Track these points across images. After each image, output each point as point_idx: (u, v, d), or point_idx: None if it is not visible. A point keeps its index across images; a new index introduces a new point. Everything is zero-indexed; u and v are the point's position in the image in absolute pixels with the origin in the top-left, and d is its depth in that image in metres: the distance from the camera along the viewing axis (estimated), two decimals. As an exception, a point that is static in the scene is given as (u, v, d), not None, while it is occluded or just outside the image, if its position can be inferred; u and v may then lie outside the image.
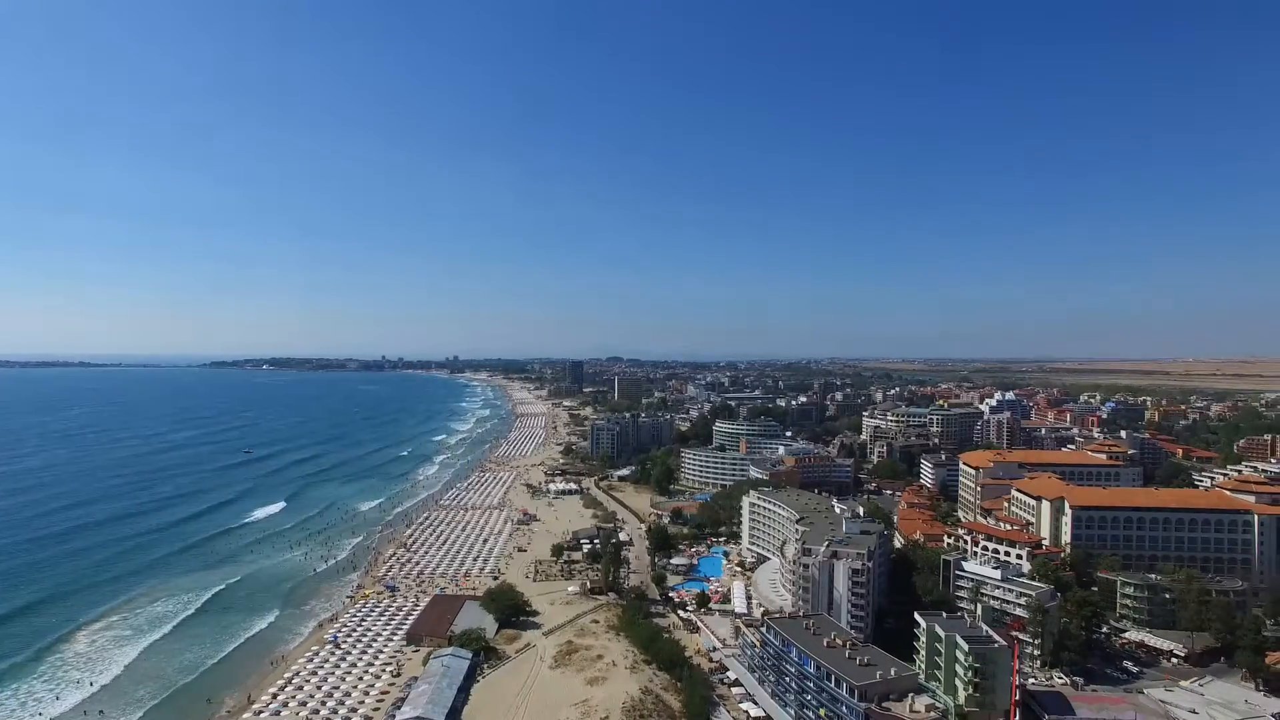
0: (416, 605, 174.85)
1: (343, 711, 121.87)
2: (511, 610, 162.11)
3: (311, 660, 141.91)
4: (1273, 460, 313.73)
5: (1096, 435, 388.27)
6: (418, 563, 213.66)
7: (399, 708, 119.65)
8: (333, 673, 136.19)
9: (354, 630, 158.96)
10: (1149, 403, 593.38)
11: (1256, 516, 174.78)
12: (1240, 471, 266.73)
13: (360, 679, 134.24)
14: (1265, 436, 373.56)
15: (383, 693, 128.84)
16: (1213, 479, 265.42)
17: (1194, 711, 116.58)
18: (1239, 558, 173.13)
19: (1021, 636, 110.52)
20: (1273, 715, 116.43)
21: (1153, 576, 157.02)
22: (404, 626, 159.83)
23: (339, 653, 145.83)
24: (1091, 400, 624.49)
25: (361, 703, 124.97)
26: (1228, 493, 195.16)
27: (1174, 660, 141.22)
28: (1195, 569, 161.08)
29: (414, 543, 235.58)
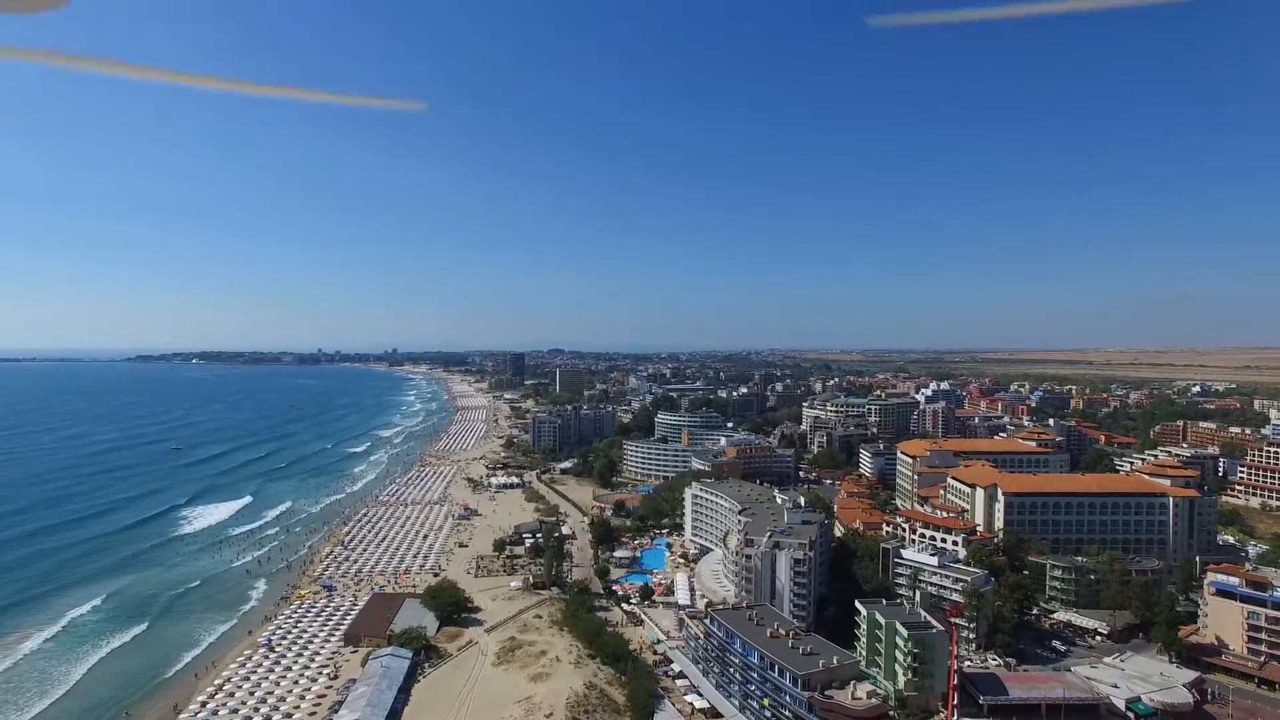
0: (355, 604, 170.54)
1: (277, 718, 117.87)
2: (453, 607, 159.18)
3: (243, 665, 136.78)
4: (1184, 444, 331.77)
5: (1026, 423, 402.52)
6: (355, 560, 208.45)
7: (336, 711, 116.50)
8: (266, 677, 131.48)
9: (289, 632, 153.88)
10: (1074, 391, 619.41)
11: (1171, 499, 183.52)
12: (1156, 456, 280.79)
13: (295, 683, 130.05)
14: (1177, 423, 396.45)
15: (319, 696, 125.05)
16: (1132, 464, 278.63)
17: (1115, 685, 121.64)
18: (1155, 538, 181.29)
19: (958, 621, 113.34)
20: (1184, 685, 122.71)
21: (1079, 559, 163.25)
22: (342, 627, 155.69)
23: (273, 656, 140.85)
24: (1021, 390, 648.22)
25: (297, 707, 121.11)
26: (1146, 477, 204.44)
27: (1098, 638, 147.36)
28: (1117, 550, 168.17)
29: (352, 540, 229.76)
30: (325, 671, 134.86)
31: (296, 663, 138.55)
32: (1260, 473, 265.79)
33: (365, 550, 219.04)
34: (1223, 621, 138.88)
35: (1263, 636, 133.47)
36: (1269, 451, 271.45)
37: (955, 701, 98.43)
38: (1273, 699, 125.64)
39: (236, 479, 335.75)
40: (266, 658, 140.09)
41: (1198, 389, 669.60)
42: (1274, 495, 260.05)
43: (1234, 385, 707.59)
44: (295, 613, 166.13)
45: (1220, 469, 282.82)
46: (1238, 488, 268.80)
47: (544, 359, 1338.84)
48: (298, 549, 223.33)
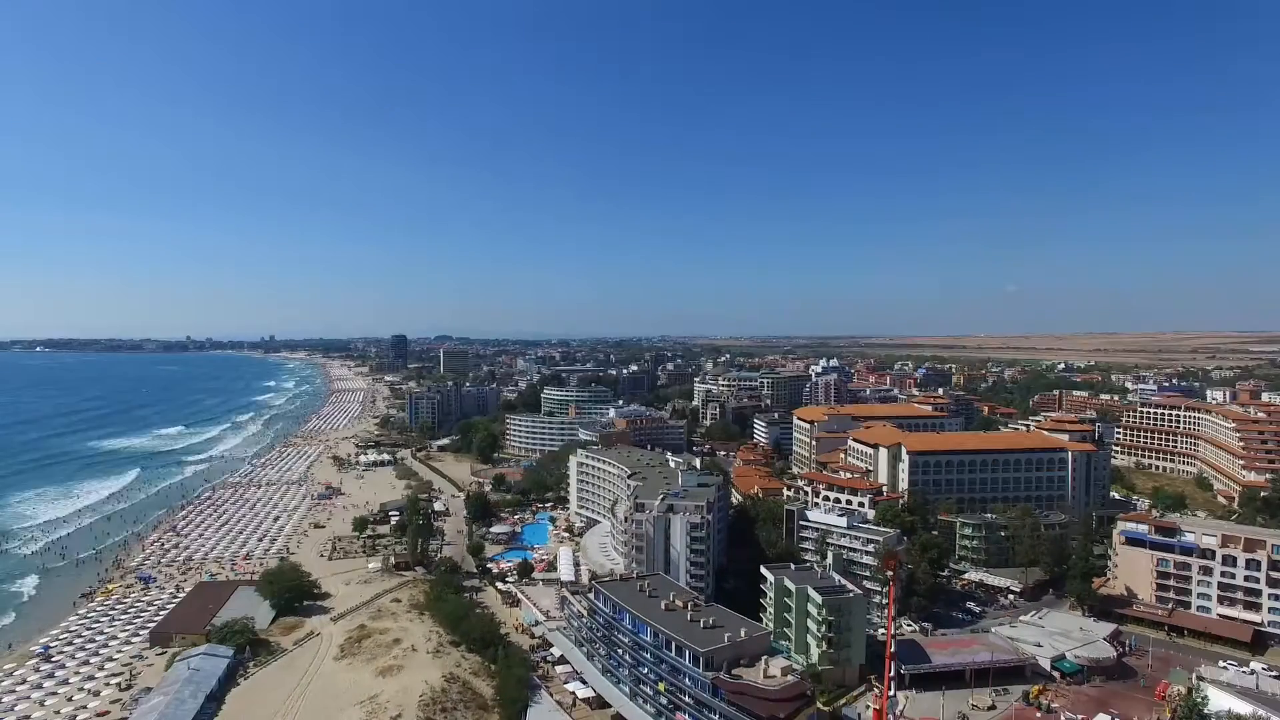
0: (176, 597, 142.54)
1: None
2: (293, 593, 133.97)
3: (3, 682, 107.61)
4: (1062, 411, 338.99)
5: (916, 393, 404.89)
6: (187, 547, 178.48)
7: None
8: (27, 697, 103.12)
9: (79, 636, 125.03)
10: (954, 368, 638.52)
11: (1070, 453, 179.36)
12: (1041, 420, 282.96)
13: (70, 699, 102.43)
14: (1053, 392, 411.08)
15: (99, 714, 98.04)
16: (1018, 430, 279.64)
17: (1039, 644, 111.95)
18: (1055, 493, 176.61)
19: (892, 574, 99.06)
20: (1104, 639, 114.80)
21: (989, 516, 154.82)
22: (153, 624, 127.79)
23: (48, 668, 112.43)
24: (905, 367, 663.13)
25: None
26: (1045, 433, 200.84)
27: (1010, 596, 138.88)
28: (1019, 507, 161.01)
29: (187, 526, 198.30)
30: (116, 681, 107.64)
31: (80, 672, 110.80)
32: (1134, 433, 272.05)
33: (201, 535, 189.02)
34: (1133, 570, 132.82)
35: (1170, 583, 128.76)
36: (1142, 412, 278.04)
37: (891, 673, 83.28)
38: (1181, 645, 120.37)
39: (56, 466, 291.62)
40: (38, 670, 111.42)
41: (1062, 367, 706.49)
42: (1148, 454, 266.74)
43: (1092, 364, 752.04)
44: (94, 612, 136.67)
45: (1097, 433, 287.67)
46: (1115, 449, 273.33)
47: (431, 346, 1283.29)
48: (114, 536, 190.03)
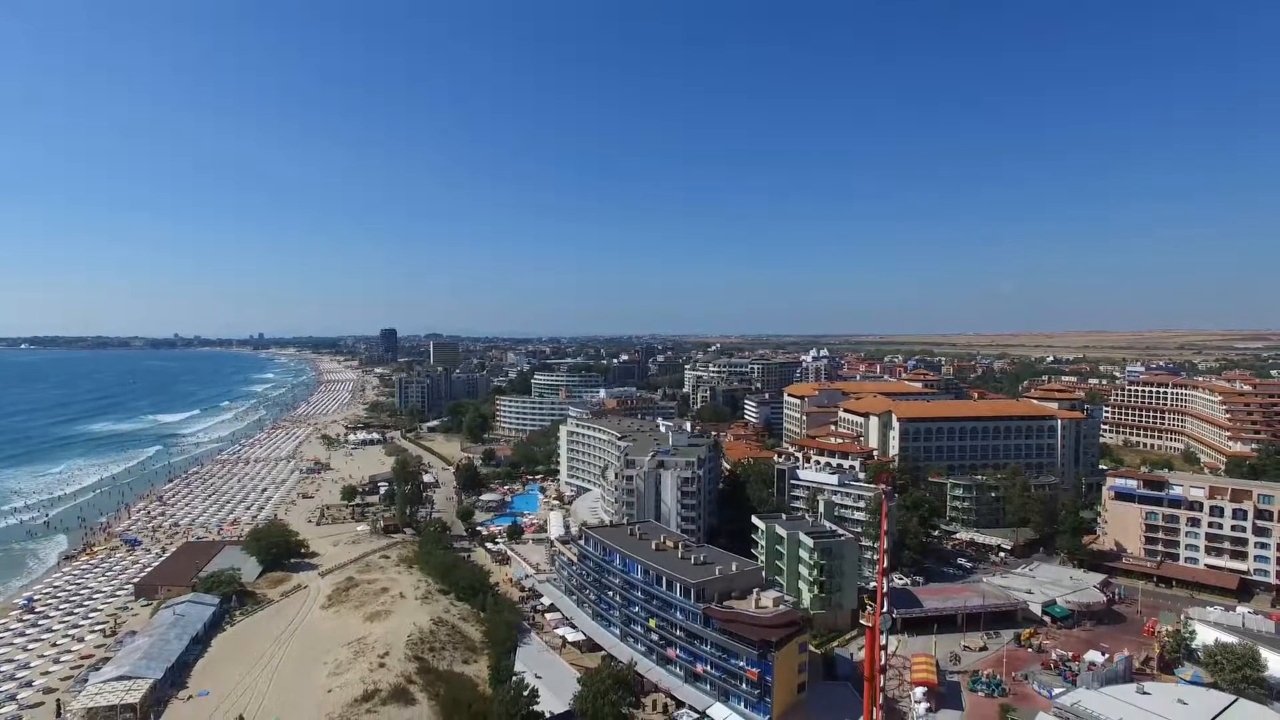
0: (161, 557, 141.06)
1: (9, 688, 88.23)
2: (280, 550, 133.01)
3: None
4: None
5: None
6: (172, 515, 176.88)
7: (98, 669, 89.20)
8: (13, 642, 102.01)
9: (63, 590, 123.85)
10: (944, 360, 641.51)
11: (1059, 421, 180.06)
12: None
13: (54, 645, 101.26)
14: (1043, 378, 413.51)
15: (84, 657, 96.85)
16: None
17: (1029, 592, 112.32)
18: (1045, 460, 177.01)
19: (886, 487, 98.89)
20: (1095, 586, 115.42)
21: (979, 477, 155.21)
22: (138, 580, 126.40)
23: (30, 618, 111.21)
24: (895, 359, 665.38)
25: (46, 673, 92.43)
26: (1035, 402, 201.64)
27: (1001, 554, 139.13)
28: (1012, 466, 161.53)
29: (174, 496, 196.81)
30: (101, 628, 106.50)
31: (64, 622, 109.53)
32: (1122, 411, 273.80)
33: (188, 504, 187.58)
34: (1122, 525, 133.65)
35: (1159, 535, 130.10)
36: (1130, 390, 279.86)
37: (885, 590, 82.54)
38: (1169, 594, 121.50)
39: (53, 449, 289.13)
40: (22, 620, 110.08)
41: (1051, 359, 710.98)
42: (1136, 431, 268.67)
43: (1081, 357, 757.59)
44: (78, 569, 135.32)
45: (1086, 410, 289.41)
46: (1104, 427, 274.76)
47: (420, 342, 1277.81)
48: (105, 511, 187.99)
